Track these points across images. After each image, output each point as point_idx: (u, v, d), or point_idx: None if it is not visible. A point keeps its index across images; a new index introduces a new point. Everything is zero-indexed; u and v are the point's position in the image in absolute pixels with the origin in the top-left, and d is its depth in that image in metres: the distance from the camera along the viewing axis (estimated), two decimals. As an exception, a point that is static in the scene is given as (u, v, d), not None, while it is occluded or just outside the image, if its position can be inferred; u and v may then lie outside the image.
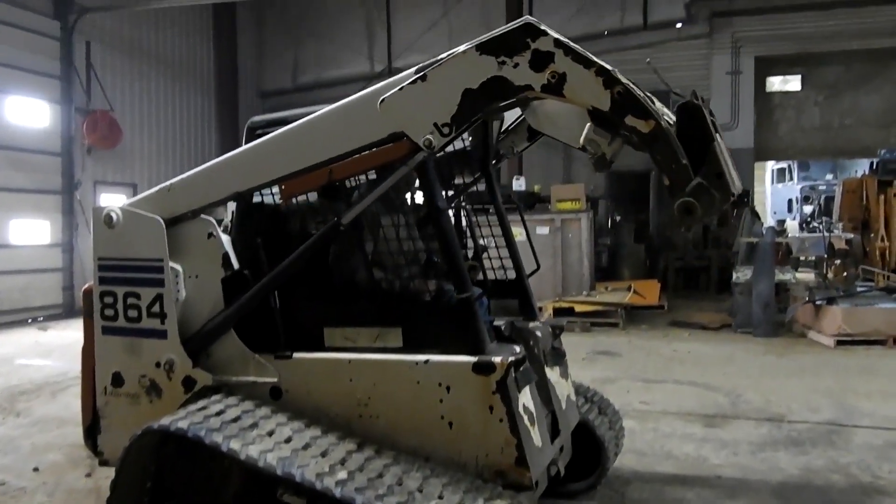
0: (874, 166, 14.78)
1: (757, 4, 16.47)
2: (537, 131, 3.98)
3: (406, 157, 3.15)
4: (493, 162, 4.19)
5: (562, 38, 2.86)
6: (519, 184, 13.81)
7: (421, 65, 3.06)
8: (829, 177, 24.13)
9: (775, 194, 25.80)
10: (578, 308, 11.62)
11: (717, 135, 2.89)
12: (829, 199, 19.90)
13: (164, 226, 3.57)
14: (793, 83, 17.98)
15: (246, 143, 3.69)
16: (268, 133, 3.57)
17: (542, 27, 2.87)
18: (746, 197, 16.68)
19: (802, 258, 15.29)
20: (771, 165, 24.94)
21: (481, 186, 4.25)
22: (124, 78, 15.83)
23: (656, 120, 2.79)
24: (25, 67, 13.51)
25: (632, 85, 2.85)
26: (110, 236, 3.67)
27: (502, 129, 4.08)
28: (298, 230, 3.69)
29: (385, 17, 18.61)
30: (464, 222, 4.48)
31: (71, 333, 11.61)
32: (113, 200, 14.85)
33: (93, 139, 14.60)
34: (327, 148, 3.27)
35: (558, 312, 11.47)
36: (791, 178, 24.98)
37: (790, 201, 24.74)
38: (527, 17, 2.93)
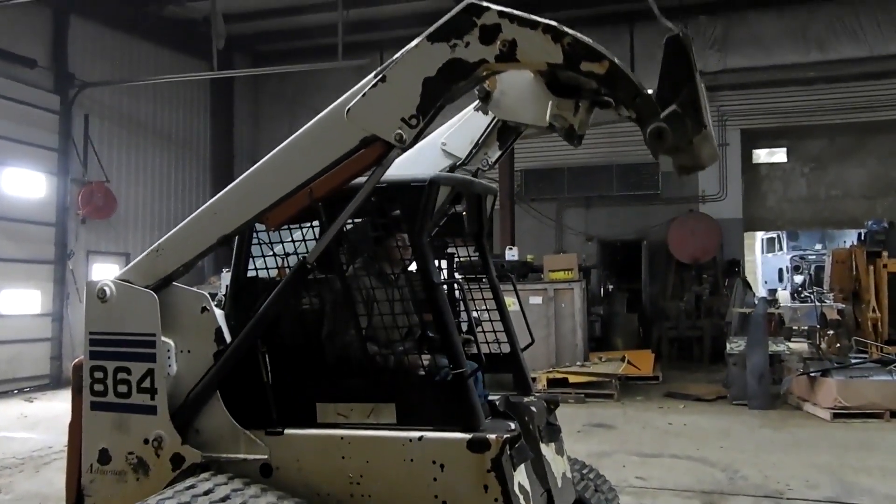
0: (862, 237, 14.95)
1: (741, 80, 16.93)
2: (507, 137, 4.04)
3: (381, 157, 3.17)
4: (472, 176, 4.20)
5: (505, 9, 2.94)
6: (512, 254, 13.87)
7: (378, 68, 3.14)
8: (819, 246, 24.34)
9: (766, 264, 25.96)
10: (572, 379, 11.53)
11: (698, 74, 2.89)
12: (820, 269, 20.00)
13: (157, 300, 3.57)
14: (779, 155, 18.34)
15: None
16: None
17: (484, 3, 2.96)
18: (738, 267, 16.84)
19: (795, 328, 15.29)
20: (760, 235, 25.18)
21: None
22: (121, 149, 16.03)
23: (609, 59, 2.84)
24: (24, 140, 13.68)
25: (579, 35, 2.89)
26: (103, 310, 3.65)
27: (472, 146, 4.11)
28: (292, 304, 3.68)
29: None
30: (457, 293, 4.49)
31: (57, 405, 11.40)
32: (106, 270, 14.86)
33: (87, 210, 14.69)
34: (304, 169, 3.30)
35: (552, 383, 11.37)
36: (781, 248, 25.19)
37: (780, 271, 24.88)
38: (469, 0, 3.01)
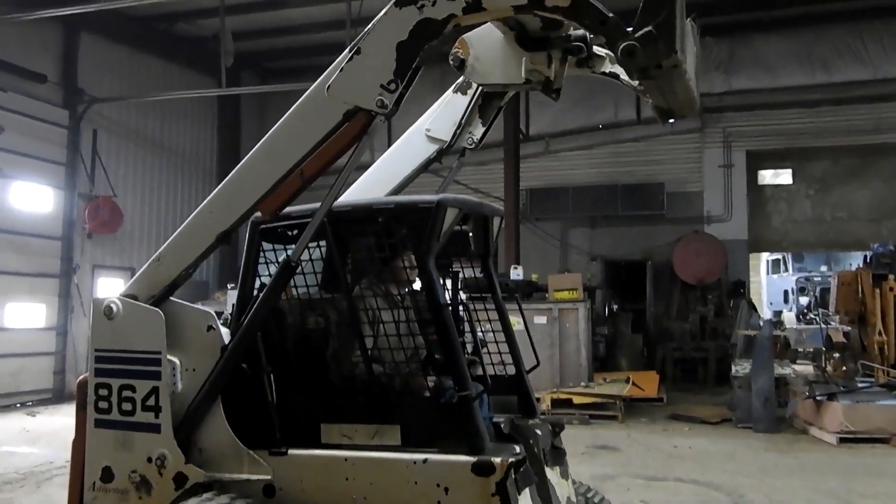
0: (868, 260, 14.90)
1: (746, 101, 17.00)
2: (489, 112, 4.11)
3: (365, 127, 3.22)
4: (460, 156, 4.29)
5: None
6: (516, 273, 13.85)
7: (352, 42, 3.21)
8: (824, 268, 24.28)
9: (771, 285, 25.91)
10: (577, 400, 11.46)
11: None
12: (825, 291, 19.94)
13: (163, 318, 3.57)
14: (784, 176, 18.34)
15: (250, 240, 3.72)
16: (270, 228, 3.64)
17: None
18: (743, 288, 16.75)
19: (800, 350, 15.18)
20: (766, 256, 25.15)
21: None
22: (128, 164, 16.11)
23: None
24: (33, 154, 13.74)
25: None
26: (109, 328, 3.66)
27: (456, 126, 4.17)
28: (298, 325, 3.68)
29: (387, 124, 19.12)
30: (462, 313, 4.48)
31: (59, 419, 11.37)
32: (111, 285, 14.87)
33: (93, 225, 14.73)
34: (293, 153, 3.33)
35: (556, 404, 11.30)
36: (786, 270, 25.15)
37: (786, 292, 24.82)
38: None
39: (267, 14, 15.35)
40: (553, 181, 17.86)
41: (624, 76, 3.67)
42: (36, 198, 13.97)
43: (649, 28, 2.73)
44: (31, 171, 13.75)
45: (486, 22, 3.29)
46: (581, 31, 3.41)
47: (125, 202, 15.65)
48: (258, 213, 3.86)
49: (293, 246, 3.65)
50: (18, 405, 13.19)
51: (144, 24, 15.79)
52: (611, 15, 2.82)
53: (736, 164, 17.20)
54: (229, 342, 3.50)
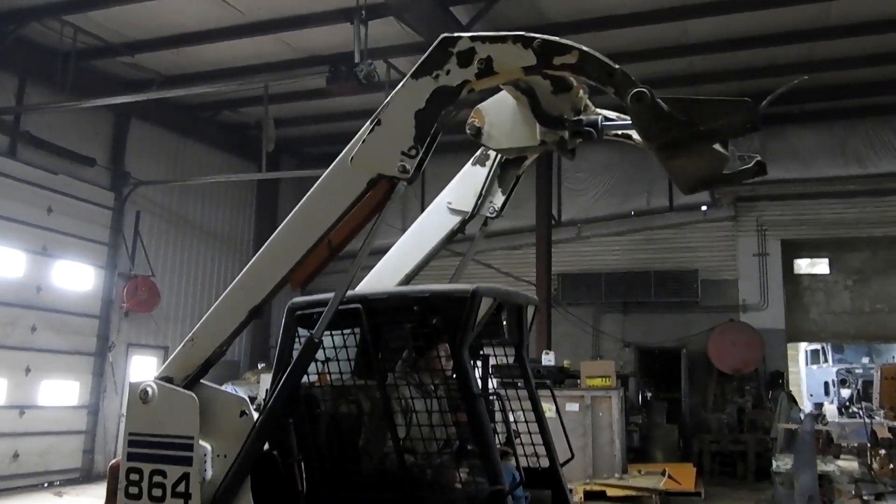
0: (911, 353, 14.47)
1: (779, 191, 16.96)
2: (508, 180, 4.22)
3: (388, 193, 3.32)
4: (482, 226, 4.40)
5: (475, 33, 3.15)
6: (548, 359, 13.69)
7: (374, 115, 3.34)
8: (866, 360, 23.51)
9: (810, 376, 25.10)
10: (611, 492, 11.09)
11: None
12: (868, 384, 19.27)
13: (197, 403, 3.58)
14: (821, 266, 18.06)
15: (286, 326, 3.77)
16: (307, 314, 3.67)
17: (456, 34, 3.18)
18: (781, 379, 16.26)
19: (844, 445, 14.58)
20: (804, 347, 24.51)
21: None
22: (167, 245, 16.47)
23: (577, 48, 2.96)
24: (78, 234, 14.15)
25: (546, 36, 3.04)
26: (144, 411, 3.67)
27: (477, 197, 4.27)
28: (330, 413, 3.67)
29: (420, 191, 19.44)
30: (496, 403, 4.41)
31: (86, 500, 11.26)
32: (144, 363, 14.98)
33: (131, 304, 14.96)
34: (320, 224, 3.41)
35: (589, 496, 10.95)
36: (826, 361, 24.41)
37: (826, 384, 24.01)
38: (443, 35, 3.21)
39: (307, 103, 15.93)
40: (585, 267, 17.84)
41: (636, 136, 3.77)
42: (77, 277, 14.29)
43: (658, 98, 2.84)
44: (74, 251, 14.13)
45: (498, 85, 3.43)
46: (594, 117, 3.54)
47: (163, 282, 15.93)
48: (295, 300, 3.94)
49: (328, 333, 3.67)
50: (45, 484, 13.11)
51: (191, 111, 16.47)
52: (617, 67, 2.94)
53: (771, 252, 17.03)
54: (255, 422, 3.49)
